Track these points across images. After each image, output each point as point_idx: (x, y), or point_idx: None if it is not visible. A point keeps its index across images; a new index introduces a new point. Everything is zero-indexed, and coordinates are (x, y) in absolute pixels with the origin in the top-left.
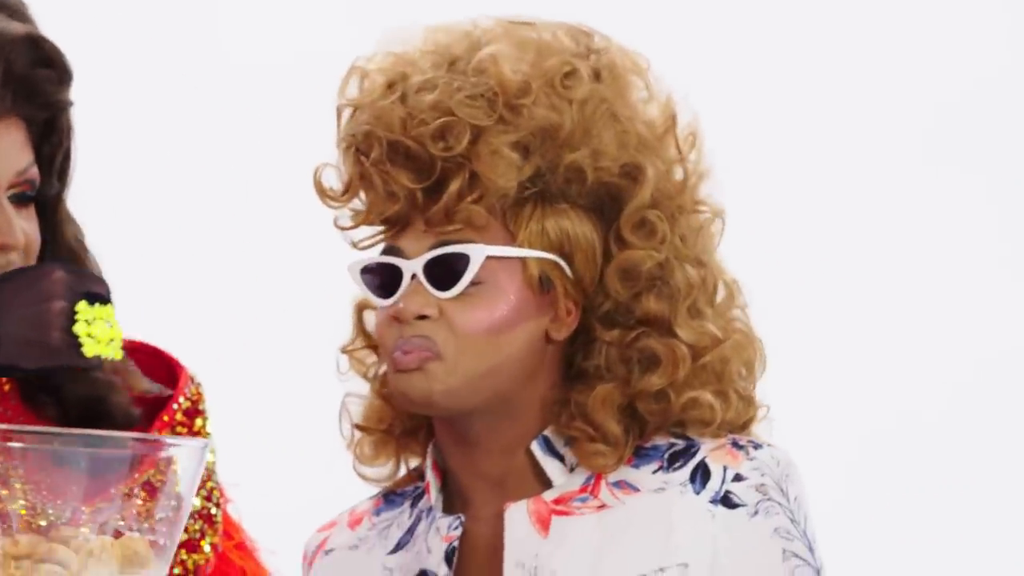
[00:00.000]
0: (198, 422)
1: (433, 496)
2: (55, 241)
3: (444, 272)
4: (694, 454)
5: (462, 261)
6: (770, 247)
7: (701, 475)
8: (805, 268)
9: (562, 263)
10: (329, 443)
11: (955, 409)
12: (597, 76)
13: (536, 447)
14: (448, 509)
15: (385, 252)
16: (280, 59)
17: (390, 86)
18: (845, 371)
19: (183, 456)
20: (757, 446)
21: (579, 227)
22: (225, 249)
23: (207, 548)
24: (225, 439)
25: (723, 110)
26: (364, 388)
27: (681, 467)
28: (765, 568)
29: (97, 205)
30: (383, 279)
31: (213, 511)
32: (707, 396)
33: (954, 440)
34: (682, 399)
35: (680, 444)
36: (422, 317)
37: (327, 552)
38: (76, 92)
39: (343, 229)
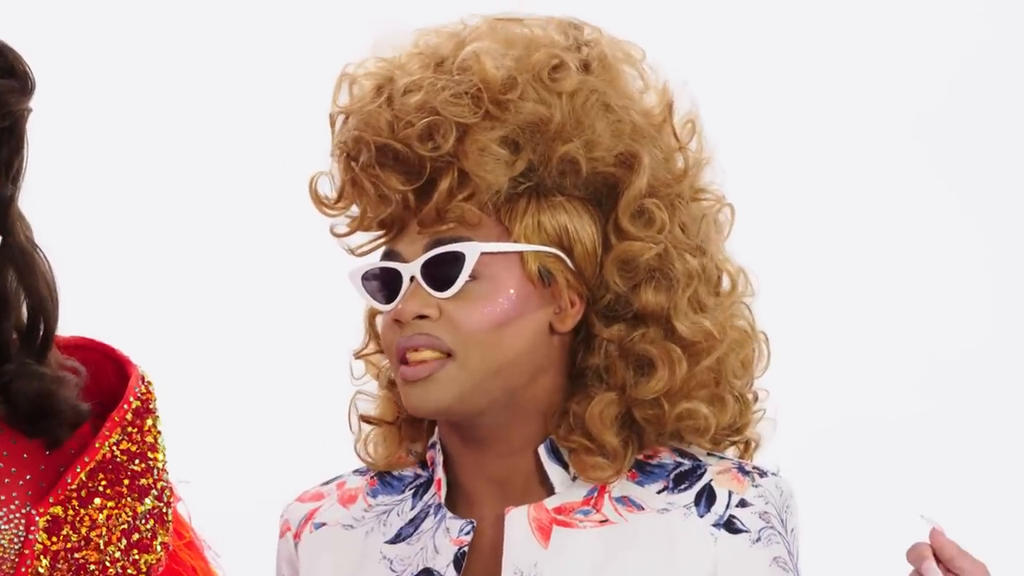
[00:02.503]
0: (148, 421)
1: (443, 495)
2: (7, 240)
3: (441, 272)
4: (700, 476)
5: (457, 259)
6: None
7: (706, 498)
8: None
9: (562, 255)
10: (281, 442)
11: (919, 408)
12: (587, 68)
13: (543, 451)
14: (451, 505)
15: (384, 257)
16: (274, 65)
17: (378, 90)
18: (803, 368)
19: None
20: (763, 473)
21: (576, 219)
22: (186, 247)
23: (158, 547)
24: (176, 438)
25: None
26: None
27: (686, 489)
28: None
29: (105, 204)
30: (384, 284)
31: (164, 510)
32: (701, 408)
33: (915, 438)
34: (676, 409)
35: (686, 464)
36: (422, 317)
37: (317, 525)
38: (80, 91)
39: (339, 236)
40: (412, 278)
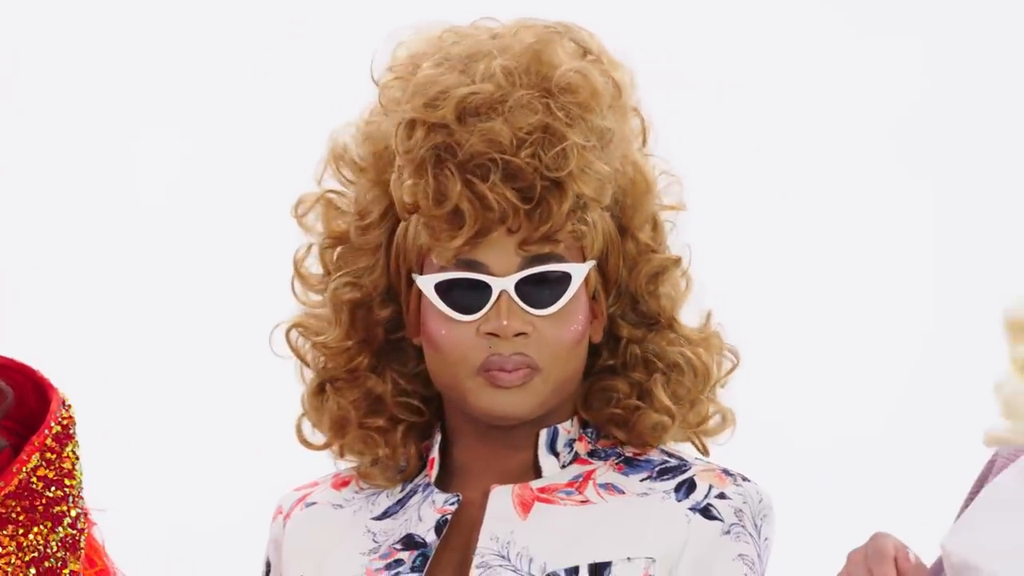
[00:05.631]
0: (68, 447)
1: (435, 475)
2: None
3: (541, 289)
4: (684, 471)
5: (561, 279)
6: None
7: (687, 488)
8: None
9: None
10: (200, 466)
11: (897, 418)
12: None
13: (542, 441)
14: (441, 486)
15: (464, 267)
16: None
17: (483, 103)
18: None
19: None
20: (746, 479)
21: (612, 230)
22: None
23: None
24: (93, 464)
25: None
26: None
27: (669, 479)
28: None
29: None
30: (461, 292)
31: (77, 537)
32: (724, 407)
33: (894, 450)
34: (711, 407)
35: (672, 461)
36: (519, 334)
37: (308, 504)
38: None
39: (452, 248)
40: (502, 292)
